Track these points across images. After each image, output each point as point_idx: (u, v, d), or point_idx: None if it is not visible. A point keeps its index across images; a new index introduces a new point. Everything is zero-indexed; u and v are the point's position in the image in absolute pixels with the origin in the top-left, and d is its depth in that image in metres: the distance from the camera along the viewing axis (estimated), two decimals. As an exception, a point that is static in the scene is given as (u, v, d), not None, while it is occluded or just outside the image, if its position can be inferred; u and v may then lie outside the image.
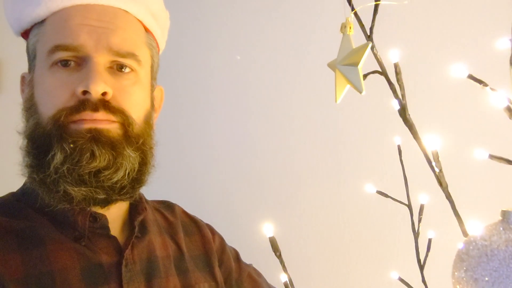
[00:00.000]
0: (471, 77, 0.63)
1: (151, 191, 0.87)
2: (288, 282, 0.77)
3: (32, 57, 0.82)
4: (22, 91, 0.85)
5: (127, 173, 0.77)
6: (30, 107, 0.79)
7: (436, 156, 0.70)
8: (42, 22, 0.80)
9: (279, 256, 0.74)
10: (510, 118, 0.60)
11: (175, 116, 1.65)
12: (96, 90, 0.74)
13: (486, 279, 0.55)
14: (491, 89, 0.62)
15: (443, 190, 0.73)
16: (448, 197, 0.72)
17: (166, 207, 0.99)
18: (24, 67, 0.85)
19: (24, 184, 0.84)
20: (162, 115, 0.92)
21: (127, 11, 0.81)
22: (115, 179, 0.76)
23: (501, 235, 0.56)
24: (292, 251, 1.39)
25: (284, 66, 1.55)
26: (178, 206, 1.01)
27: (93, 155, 0.74)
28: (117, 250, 0.80)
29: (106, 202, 0.78)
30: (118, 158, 0.76)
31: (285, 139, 1.56)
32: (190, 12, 1.67)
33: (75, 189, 0.74)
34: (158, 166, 0.85)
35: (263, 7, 1.58)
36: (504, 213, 0.58)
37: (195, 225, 0.99)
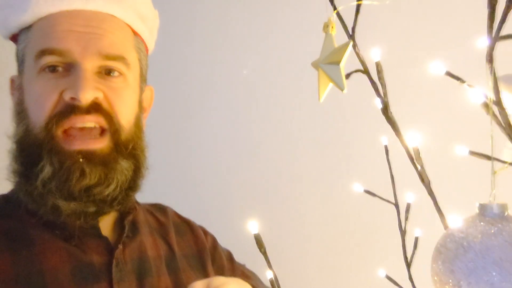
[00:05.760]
0: (449, 74, 0.65)
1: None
2: (273, 279, 0.78)
3: (20, 62, 0.83)
4: (12, 94, 0.86)
5: (119, 186, 0.78)
6: (21, 112, 0.80)
7: (417, 153, 0.71)
8: (29, 27, 0.81)
9: (264, 253, 0.75)
10: (487, 114, 0.62)
11: (166, 113, 1.68)
12: (86, 98, 0.75)
13: (463, 270, 0.56)
14: (469, 85, 0.64)
15: (425, 187, 0.74)
16: (430, 193, 0.74)
17: (158, 209, 1.00)
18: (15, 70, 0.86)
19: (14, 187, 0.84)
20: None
21: (114, 16, 0.82)
22: (107, 193, 0.77)
23: (477, 227, 0.57)
24: (281, 249, 1.41)
25: (270, 66, 1.60)
26: (170, 208, 1.03)
27: (83, 173, 0.75)
28: (108, 250, 0.81)
29: (97, 215, 0.79)
30: (109, 174, 0.77)
31: (274, 139, 1.59)
32: (182, 14, 1.70)
33: (65, 203, 0.75)
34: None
35: (252, 10, 1.63)
36: (482, 206, 0.60)
37: (187, 226, 1.00)
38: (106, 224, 0.84)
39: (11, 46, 0.86)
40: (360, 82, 0.83)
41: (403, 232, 0.99)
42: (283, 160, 1.57)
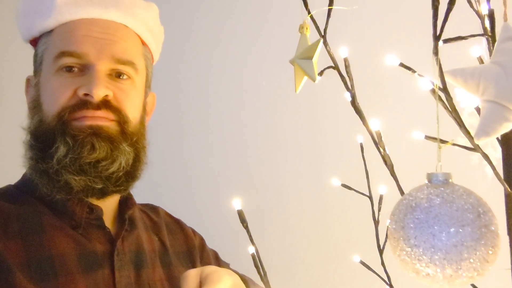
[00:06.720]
0: (402, 65, 0.75)
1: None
2: (255, 253, 0.85)
3: (39, 63, 0.90)
4: (27, 92, 0.93)
5: (122, 166, 0.84)
6: (36, 107, 0.87)
7: (379, 136, 0.80)
8: (50, 32, 0.89)
9: (246, 227, 0.83)
10: (435, 99, 0.71)
11: (162, 109, 1.84)
12: (98, 94, 0.83)
13: (411, 225, 0.65)
14: (419, 75, 0.73)
15: (388, 168, 0.83)
16: (392, 173, 0.82)
17: (150, 209, 1.07)
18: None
19: (24, 176, 0.91)
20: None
21: (127, 26, 0.90)
22: (112, 170, 0.83)
23: (424, 191, 0.67)
24: (263, 229, 1.50)
25: (254, 68, 1.74)
26: (161, 208, 1.09)
27: (93, 147, 0.81)
28: (109, 240, 0.87)
29: (103, 194, 0.85)
30: (114, 151, 0.84)
31: (261, 135, 1.72)
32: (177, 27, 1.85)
33: (76, 178, 0.81)
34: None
35: (239, 17, 1.80)
36: (429, 175, 0.69)
37: (177, 225, 1.07)
38: (108, 217, 0.91)
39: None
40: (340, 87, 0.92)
41: (376, 222, 1.07)
42: (269, 155, 1.69)
